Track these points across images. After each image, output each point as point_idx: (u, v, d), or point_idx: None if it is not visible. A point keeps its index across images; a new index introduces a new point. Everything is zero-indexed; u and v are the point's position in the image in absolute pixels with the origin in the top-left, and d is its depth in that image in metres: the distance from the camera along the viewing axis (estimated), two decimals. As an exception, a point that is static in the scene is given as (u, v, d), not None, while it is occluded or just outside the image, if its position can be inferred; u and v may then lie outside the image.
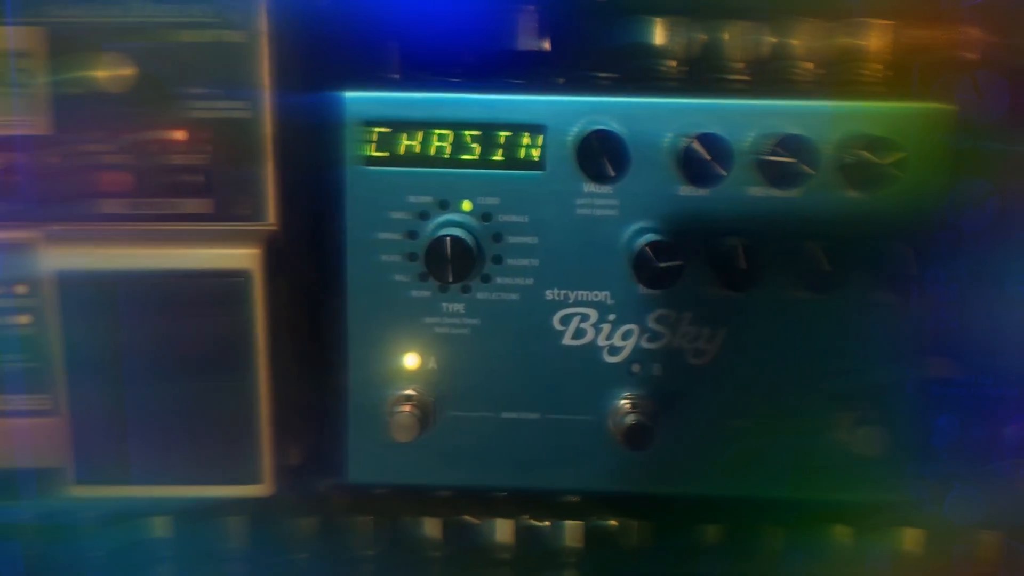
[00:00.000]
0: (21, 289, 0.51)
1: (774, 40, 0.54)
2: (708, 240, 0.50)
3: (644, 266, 0.49)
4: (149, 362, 0.49)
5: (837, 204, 0.50)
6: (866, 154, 0.48)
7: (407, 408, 0.51)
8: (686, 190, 0.50)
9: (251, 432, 0.50)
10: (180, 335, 0.49)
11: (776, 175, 0.49)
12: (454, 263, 0.49)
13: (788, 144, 0.48)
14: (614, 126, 0.49)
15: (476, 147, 0.50)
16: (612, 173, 0.49)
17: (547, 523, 0.56)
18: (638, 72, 0.55)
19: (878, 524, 0.57)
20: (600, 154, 0.49)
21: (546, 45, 0.54)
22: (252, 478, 0.51)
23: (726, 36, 0.53)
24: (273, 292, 0.50)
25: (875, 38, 0.53)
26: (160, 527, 0.55)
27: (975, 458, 0.56)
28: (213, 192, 0.50)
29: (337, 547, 0.56)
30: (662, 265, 0.48)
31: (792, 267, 0.50)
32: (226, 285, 0.49)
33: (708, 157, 0.48)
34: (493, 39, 0.54)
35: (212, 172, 0.50)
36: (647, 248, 0.49)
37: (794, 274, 0.50)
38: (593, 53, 0.54)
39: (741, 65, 0.54)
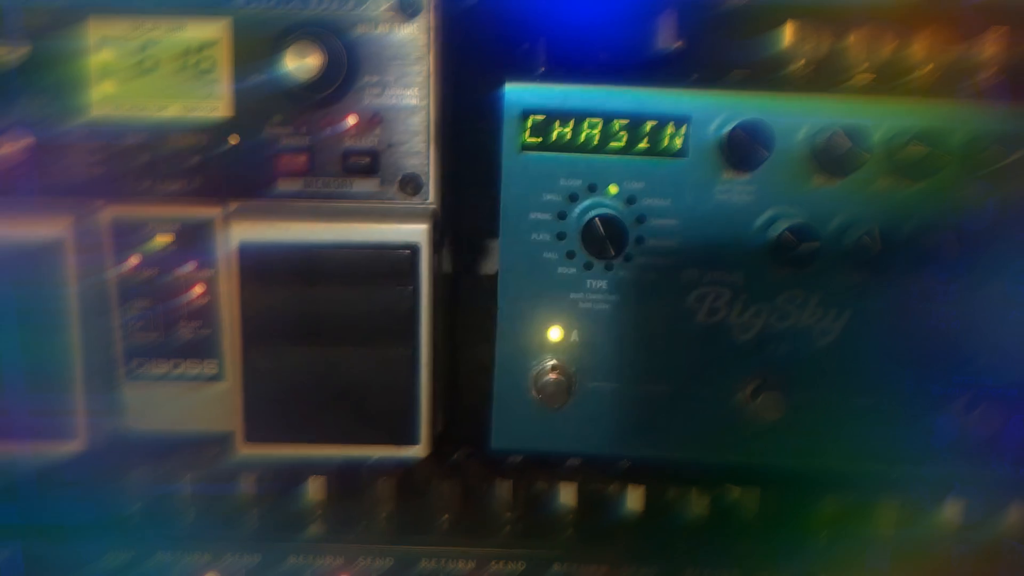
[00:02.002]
0: (199, 262, 0.56)
1: (895, 43, 0.58)
2: (840, 227, 0.54)
3: (784, 248, 0.53)
4: (320, 329, 0.54)
5: (965, 195, 0.54)
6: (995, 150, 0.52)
7: (555, 375, 0.55)
8: (820, 179, 0.54)
9: (412, 396, 0.55)
10: (350, 305, 0.53)
11: (909, 168, 0.53)
12: (611, 240, 0.53)
13: (923, 138, 0.52)
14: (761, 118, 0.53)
15: (623, 135, 0.54)
16: (762, 158, 0.53)
17: (674, 493, 0.60)
18: (768, 70, 0.59)
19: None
20: (748, 143, 0.52)
21: (682, 43, 0.58)
22: (411, 439, 0.55)
23: (851, 39, 0.57)
24: (434, 267, 0.54)
25: (990, 44, 0.58)
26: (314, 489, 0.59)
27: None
28: (381, 173, 0.55)
29: (477, 510, 0.60)
30: (802, 246, 0.52)
31: (920, 255, 0.54)
32: (396, 258, 0.53)
33: (849, 145, 0.52)
34: (635, 38, 0.58)
35: (380, 154, 0.55)
36: (788, 231, 0.53)
37: (921, 261, 0.54)
38: (726, 51, 0.58)
39: (865, 65, 0.58)
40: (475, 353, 0.59)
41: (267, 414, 0.55)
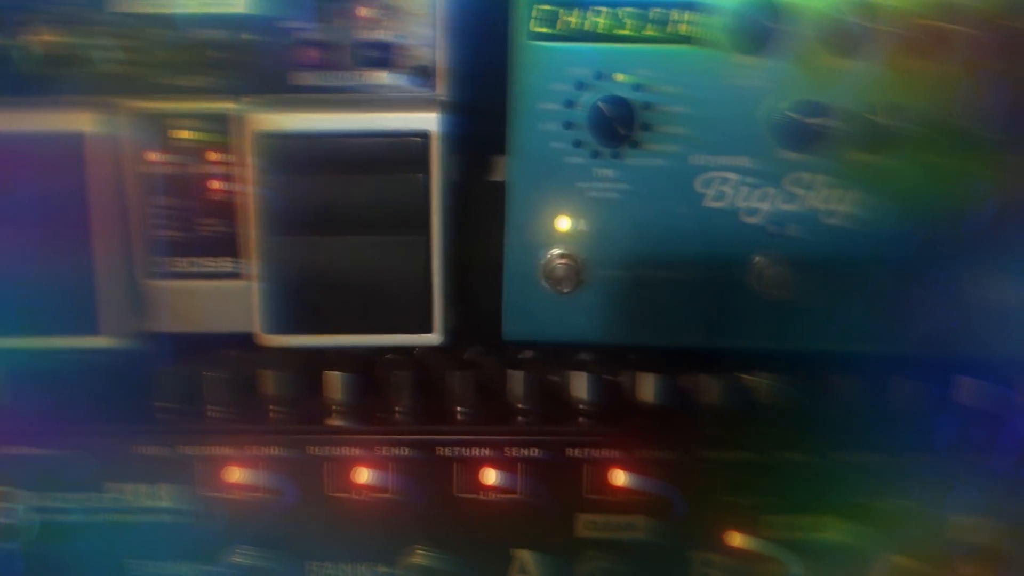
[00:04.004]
0: (215, 156, 0.57)
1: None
2: (850, 107, 0.54)
3: (790, 126, 0.54)
4: (334, 219, 0.55)
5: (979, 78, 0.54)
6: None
7: (564, 261, 0.57)
8: (831, 61, 0.54)
9: (426, 284, 0.56)
10: (364, 194, 0.55)
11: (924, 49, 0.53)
12: (617, 121, 0.54)
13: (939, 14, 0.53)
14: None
15: (630, 22, 0.55)
16: (770, 40, 0.53)
17: (687, 380, 0.61)
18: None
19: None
20: (757, 25, 0.53)
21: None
22: (425, 327, 0.57)
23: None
24: (445, 157, 0.55)
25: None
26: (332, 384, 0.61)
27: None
28: (392, 65, 0.56)
29: (492, 401, 0.61)
30: (808, 123, 0.53)
31: (929, 134, 0.54)
32: (409, 145, 0.54)
33: (864, 24, 0.53)
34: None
35: (391, 46, 0.56)
36: (794, 109, 0.54)
37: (931, 140, 0.55)
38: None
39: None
40: (488, 255, 0.60)
41: (285, 305, 0.56)
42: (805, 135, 0.54)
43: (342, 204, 0.55)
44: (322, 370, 0.60)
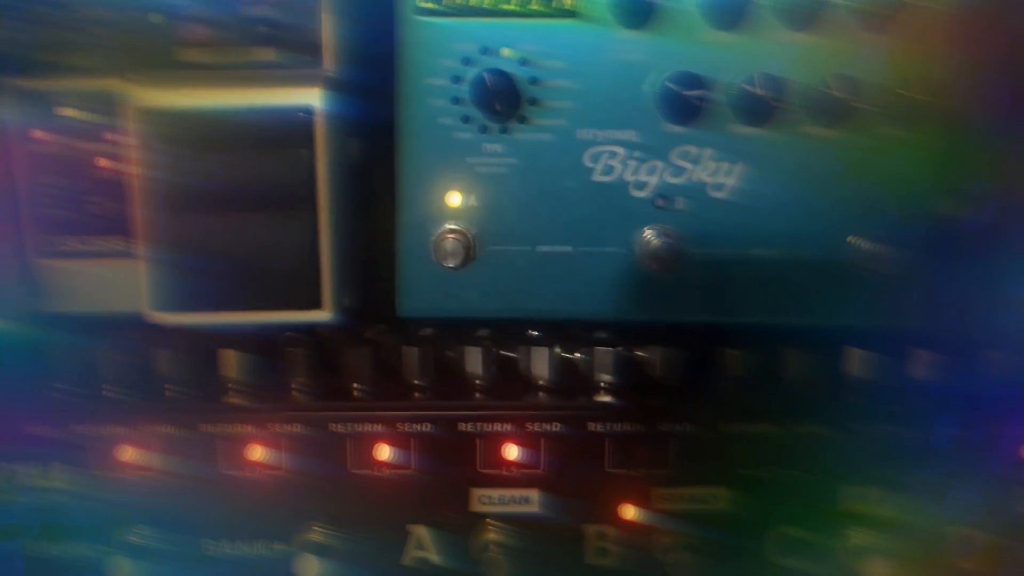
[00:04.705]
0: (103, 134, 0.56)
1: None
2: (729, 79, 0.55)
3: (671, 98, 0.54)
4: (222, 196, 0.55)
5: (854, 46, 0.55)
6: None
7: (452, 236, 0.57)
8: (713, 34, 0.55)
9: (313, 259, 0.56)
10: (251, 170, 0.54)
11: (798, 18, 0.54)
12: (499, 95, 0.54)
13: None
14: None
15: (515, -3, 0.56)
16: (653, 14, 0.54)
17: (580, 354, 0.61)
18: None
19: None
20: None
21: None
22: (314, 304, 0.57)
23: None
24: (332, 133, 0.55)
25: None
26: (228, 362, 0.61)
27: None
28: (278, 41, 0.56)
29: (389, 377, 0.61)
30: (686, 94, 0.54)
31: (810, 104, 0.55)
32: (293, 121, 0.54)
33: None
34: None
35: (277, 23, 0.56)
36: (672, 81, 0.54)
37: (812, 111, 0.55)
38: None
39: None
40: (387, 231, 0.60)
41: (174, 283, 0.56)
42: (686, 108, 0.54)
43: (229, 181, 0.55)
44: (219, 349, 0.61)
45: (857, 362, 0.60)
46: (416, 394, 0.60)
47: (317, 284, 0.56)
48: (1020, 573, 0.61)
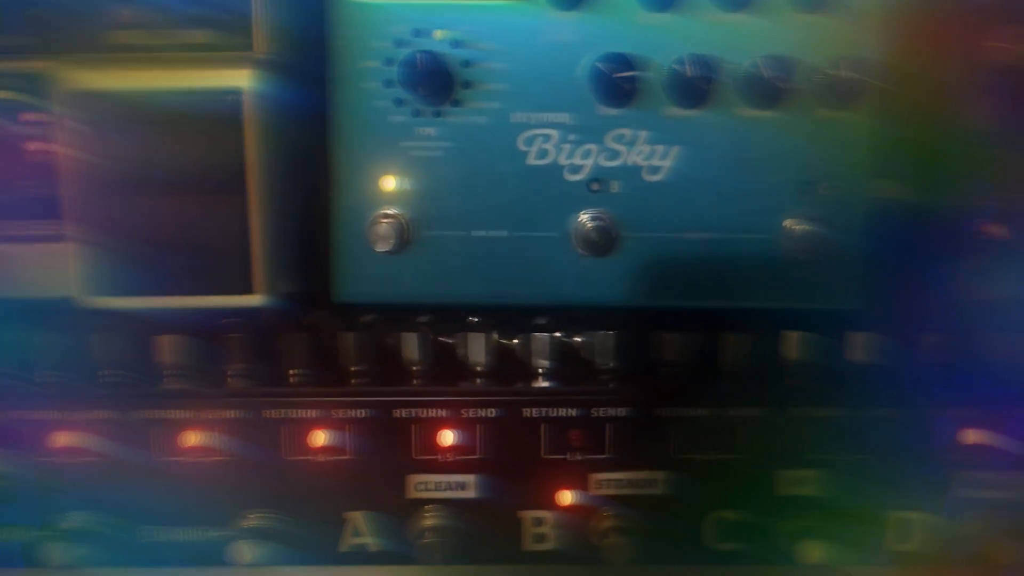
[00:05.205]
0: (32, 116, 0.56)
1: None
2: (664, 61, 0.55)
3: (601, 80, 0.54)
4: (154, 179, 0.54)
5: (789, 25, 0.55)
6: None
7: (386, 220, 0.56)
8: (647, 16, 0.55)
9: (244, 243, 0.55)
10: (182, 153, 0.54)
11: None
12: (429, 76, 0.54)
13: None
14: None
15: (454, -23, 0.55)
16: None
17: (516, 340, 0.61)
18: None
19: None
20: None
21: None
22: (246, 288, 0.56)
23: None
24: (264, 115, 0.55)
25: None
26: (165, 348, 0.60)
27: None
28: (209, 22, 0.55)
29: (326, 363, 0.61)
30: (616, 76, 0.53)
31: (744, 85, 0.55)
32: (223, 103, 0.54)
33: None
34: None
35: (208, 4, 0.55)
36: (603, 61, 0.54)
37: (746, 92, 0.55)
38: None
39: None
40: (323, 216, 0.59)
41: (106, 267, 0.55)
42: (618, 90, 0.54)
43: (161, 164, 0.54)
44: (155, 334, 0.60)
45: (794, 345, 0.60)
46: (353, 380, 0.60)
47: (249, 268, 0.56)
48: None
